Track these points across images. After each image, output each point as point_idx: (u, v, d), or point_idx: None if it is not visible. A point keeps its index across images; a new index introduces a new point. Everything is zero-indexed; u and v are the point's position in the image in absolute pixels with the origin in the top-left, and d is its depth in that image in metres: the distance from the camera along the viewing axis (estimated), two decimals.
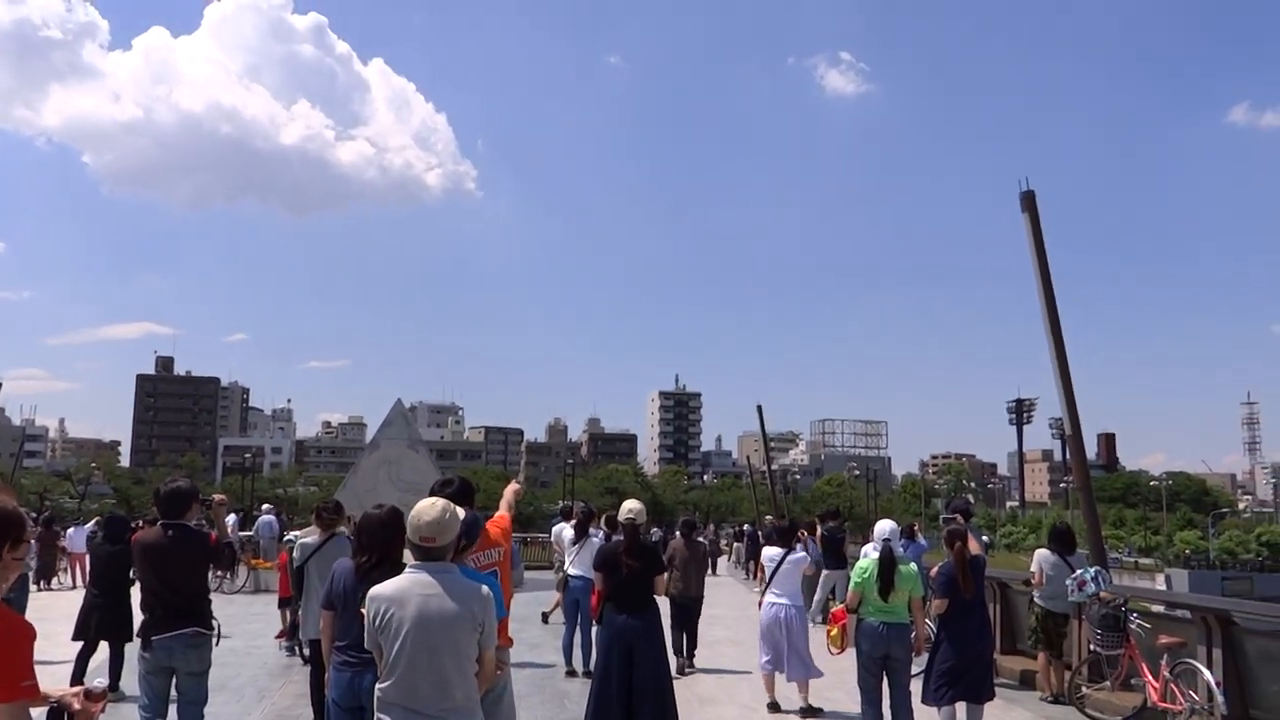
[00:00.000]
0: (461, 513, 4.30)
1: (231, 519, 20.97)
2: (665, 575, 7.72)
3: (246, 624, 15.34)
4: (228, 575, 20.95)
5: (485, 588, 4.13)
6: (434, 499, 4.24)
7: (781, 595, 9.56)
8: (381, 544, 5.05)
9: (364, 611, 4.12)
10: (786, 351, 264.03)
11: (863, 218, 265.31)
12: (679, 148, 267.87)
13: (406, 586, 4.03)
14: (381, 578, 4.31)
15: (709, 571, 29.04)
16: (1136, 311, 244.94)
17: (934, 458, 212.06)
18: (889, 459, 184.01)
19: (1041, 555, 10.60)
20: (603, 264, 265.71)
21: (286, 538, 22.20)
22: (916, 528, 17.87)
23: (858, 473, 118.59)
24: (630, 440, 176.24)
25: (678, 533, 13.95)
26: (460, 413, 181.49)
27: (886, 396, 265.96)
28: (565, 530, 13.85)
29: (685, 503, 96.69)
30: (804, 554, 9.81)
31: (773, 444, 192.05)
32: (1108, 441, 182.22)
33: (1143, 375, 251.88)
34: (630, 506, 7.56)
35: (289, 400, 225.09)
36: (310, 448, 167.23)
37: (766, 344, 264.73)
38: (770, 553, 9.78)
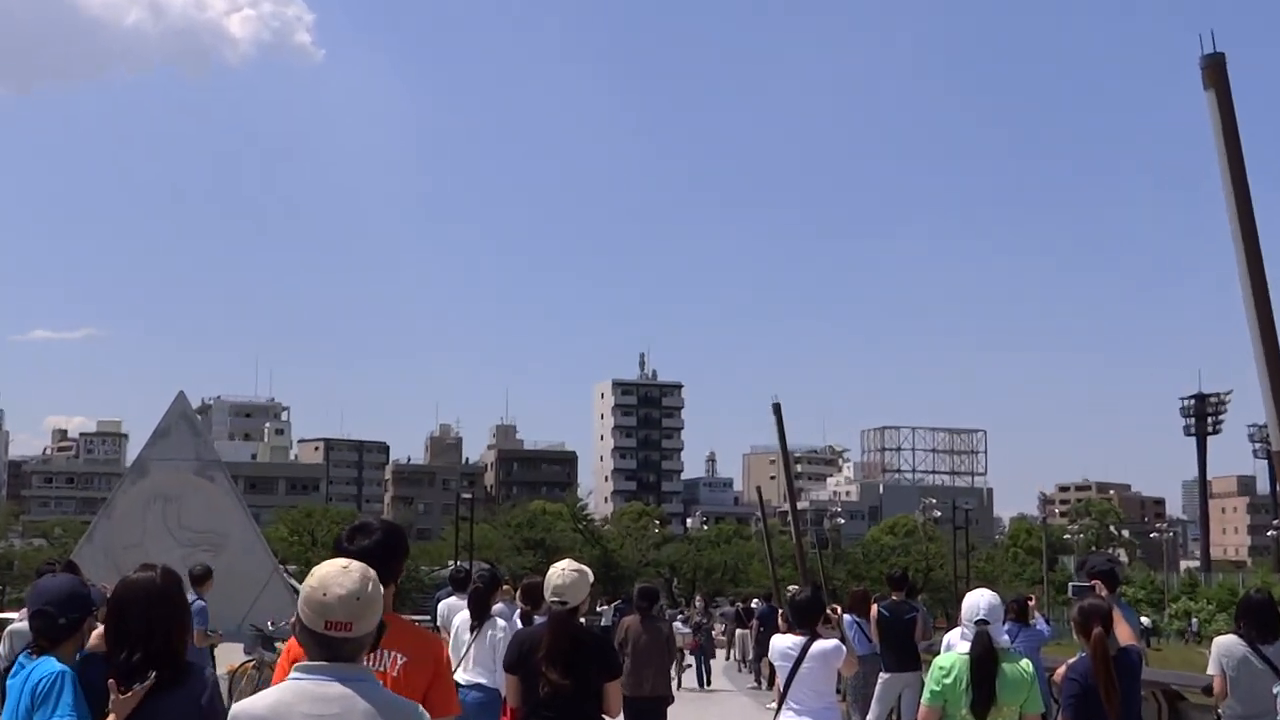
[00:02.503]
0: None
1: None
2: (619, 680, 7.77)
3: None
4: None
5: (421, 709, 4.22)
6: (344, 562, 4.27)
7: (804, 712, 9.61)
8: (151, 632, 5.04)
9: None
10: (821, 318, 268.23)
11: (947, 95, 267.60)
12: None
13: (293, 704, 4.03)
14: (159, 683, 4.27)
15: (681, 663, 29.59)
16: None
17: (1062, 489, 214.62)
18: (989, 491, 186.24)
19: (1225, 645, 10.68)
20: (523, 175, 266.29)
21: None
22: (1032, 603, 18.07)
23: (939, 514, 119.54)
24: (566, 461, 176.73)
25: (632, 607, 14.12)
26: (285, 415, 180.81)
27: (985, 392, 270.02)
28: (456, 608, 13.84)
29: (656, 564, 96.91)
30: (837, 643, 9.85)
31: (801, 467, 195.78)
32: None
33: None
34: (563, 573, 7.57)
35: None
36: (31, 473, 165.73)
37: (787, 305, 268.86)
38: (783, 644, 9.76)
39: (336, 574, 4.15)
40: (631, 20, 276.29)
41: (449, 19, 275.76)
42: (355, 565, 4.23)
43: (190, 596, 16.92)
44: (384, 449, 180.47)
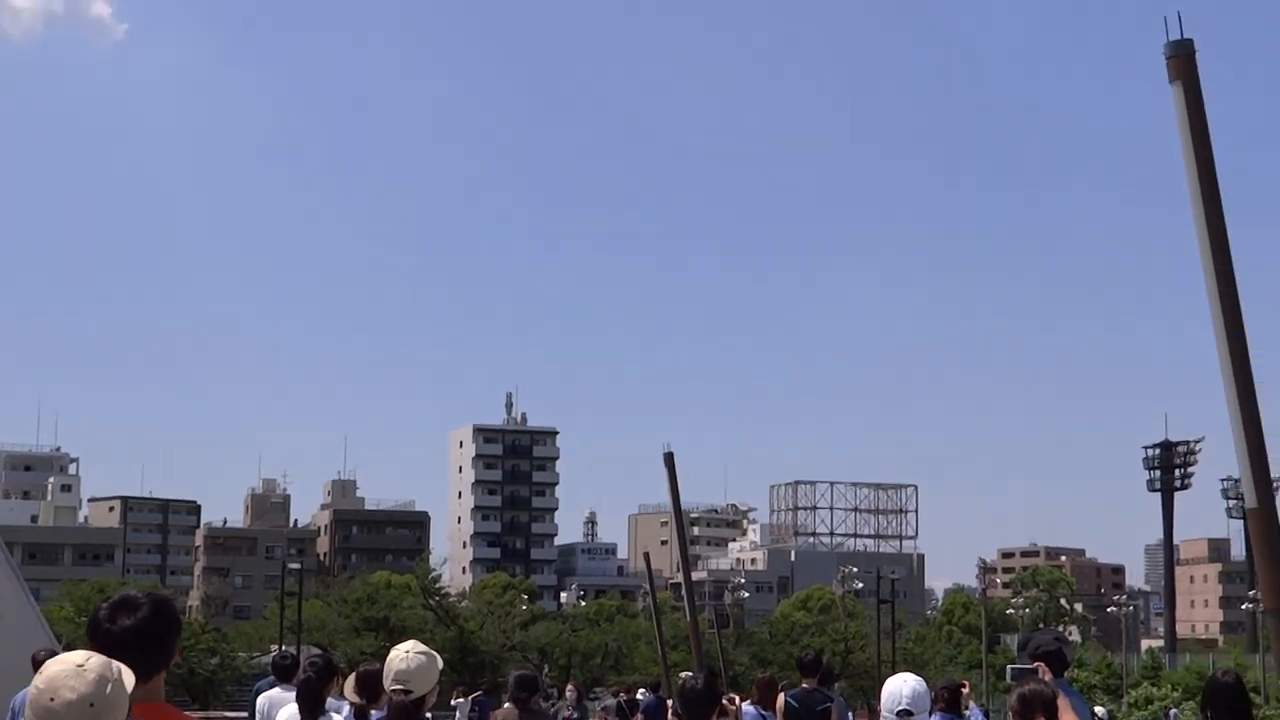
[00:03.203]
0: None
1: None
2: None
3: None
4: None
5: None
6: (80, 657, 4.15)
7: None
8: None
9: None
10: (722, 357, 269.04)
11: (869, 126, 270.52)
12: None
13: None
14: None
15: None
16: None
17: (1005, 555, 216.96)
18: (920, 557, 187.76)
19: None
20: (363, 176, 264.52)
21: None
22: (966, 690, 18.21)
23: (860, 585, 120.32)
24: (416, 524, 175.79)
25: (505, 700, 14.09)
26: (73, 469, 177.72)
27: (916, 443, 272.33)
28: (280, 702, 13.68)
29: (523, 647, 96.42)
30: None
31: (699, 529, 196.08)
32: None
33: None
34: (406, 656, 7.51)
35: None
36: None
37: (681, 339, 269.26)
38: None
39: (68, 675, 4.03)
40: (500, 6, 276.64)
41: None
42: (93, 663, 4.11)
43: None
44: (194, 509, 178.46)
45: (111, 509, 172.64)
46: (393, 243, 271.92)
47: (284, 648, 48.69)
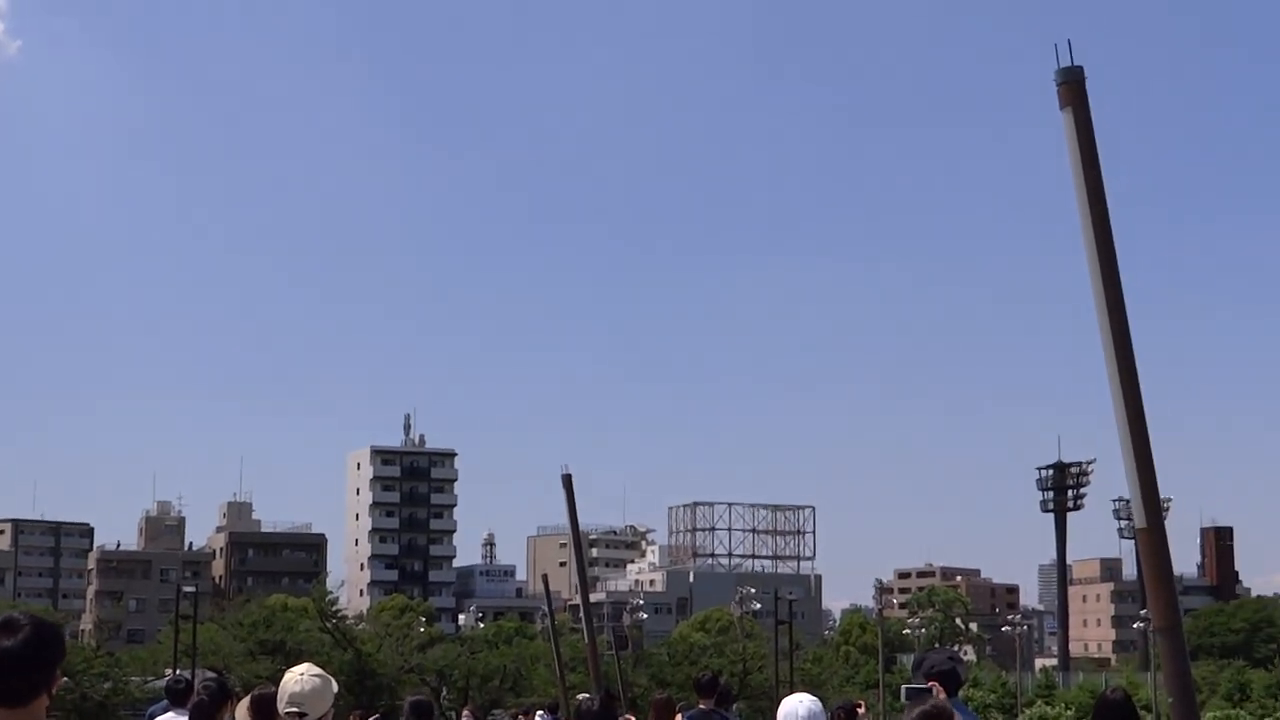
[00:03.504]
0: None
1: None
2: None
3: None
4: None
5: None
6: None
7: None
8: None
9: None
10: (620, 375, 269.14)
11: (768, 139, 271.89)
12: None
13: None
14: None
15: None
16: (1274, 300, 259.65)
17: (902, 576, 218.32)
18: (818, 578, 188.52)
19: None
20: (262, 190, 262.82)
21: None
22: (862, 710, 18.30)
23: (759, 606, 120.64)
24: (313, 546, 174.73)
25: None
26: None
27: (813, 462, 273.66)
28: None
29: (421, 670, 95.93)
30: None
31: (597, 551, 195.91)
32: (1217, 544, 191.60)
33: None
34: (300, 678, 7.47)
35: None
36: None
37: (578, 358, 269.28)
38: None
39: None
40: (400, 16, 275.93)
41: (184, 5, 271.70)
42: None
43: None
44: (87, 531, 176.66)
45: (2, 532, 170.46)
46: (290, 261, 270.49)
47: (178, 672, 48.20)
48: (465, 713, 58.41)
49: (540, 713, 38.96)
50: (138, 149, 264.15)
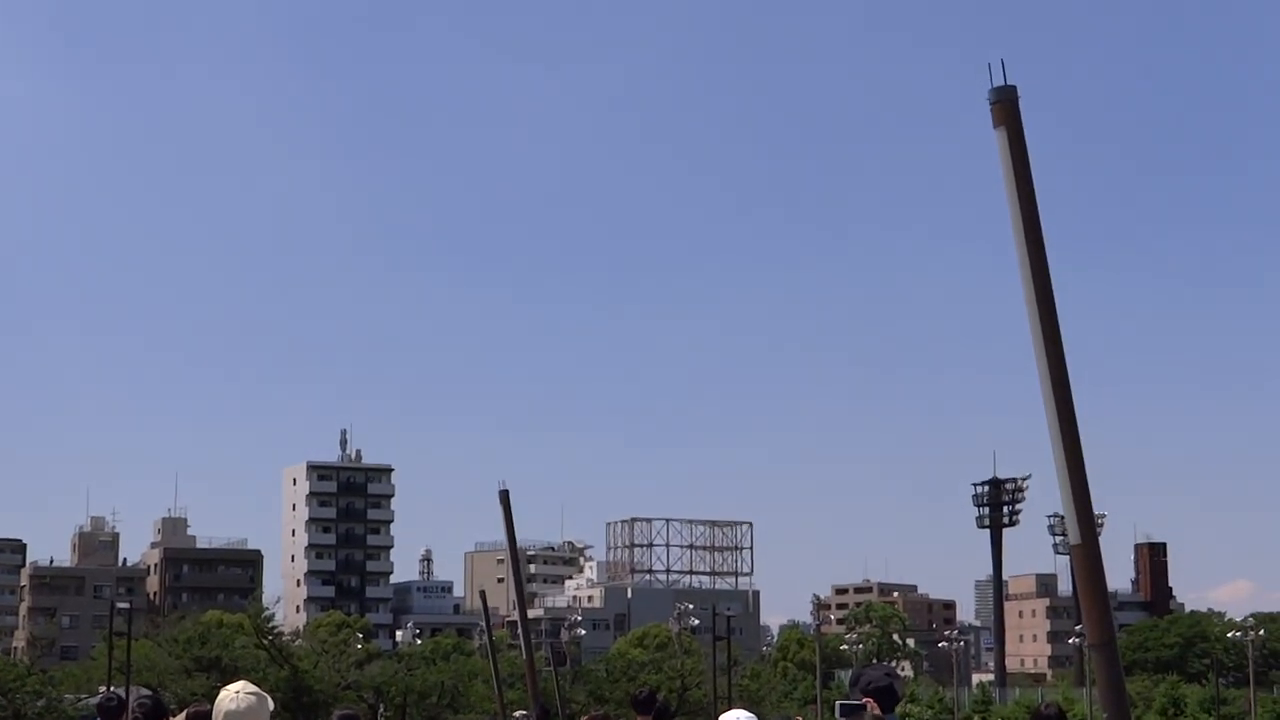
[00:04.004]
0: None
1: None
2: None
3: None
4: None
5: None
6: None
7: None
8: None
9: None
10: (556, 392, 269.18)
11: (704, 158, 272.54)
12: None
13: None
14: None
15: None
16: (1207, 317, 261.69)
17: (839, 591, 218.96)
18: (755, 594, 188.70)
19: None
20: (192, 204, 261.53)
21: None
22: None
23: (697, 622, 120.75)
24: (248, 562, 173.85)
25: None
26: None
27: (750, 478, 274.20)
28: None
29: (358, 687, 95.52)
30: None
31: (535, 567, 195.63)
32: (1151, 560, 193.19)
33: (1220, 441, 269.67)
34: (236, 696, 7.44)
35: None
36: None
37: (514, 374, 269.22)
38: None
39: None
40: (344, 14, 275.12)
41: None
42: None
43: None
44: (19, 547, 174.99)
45: None
46: (226, 275, 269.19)
47: (112, 689, 47.83)
48: None
49: None
50: (70, 150, 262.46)
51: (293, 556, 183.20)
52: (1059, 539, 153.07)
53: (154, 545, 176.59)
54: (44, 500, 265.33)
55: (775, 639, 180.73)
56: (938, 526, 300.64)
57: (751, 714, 8.33)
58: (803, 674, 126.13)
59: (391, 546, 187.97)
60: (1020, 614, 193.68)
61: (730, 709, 8.54)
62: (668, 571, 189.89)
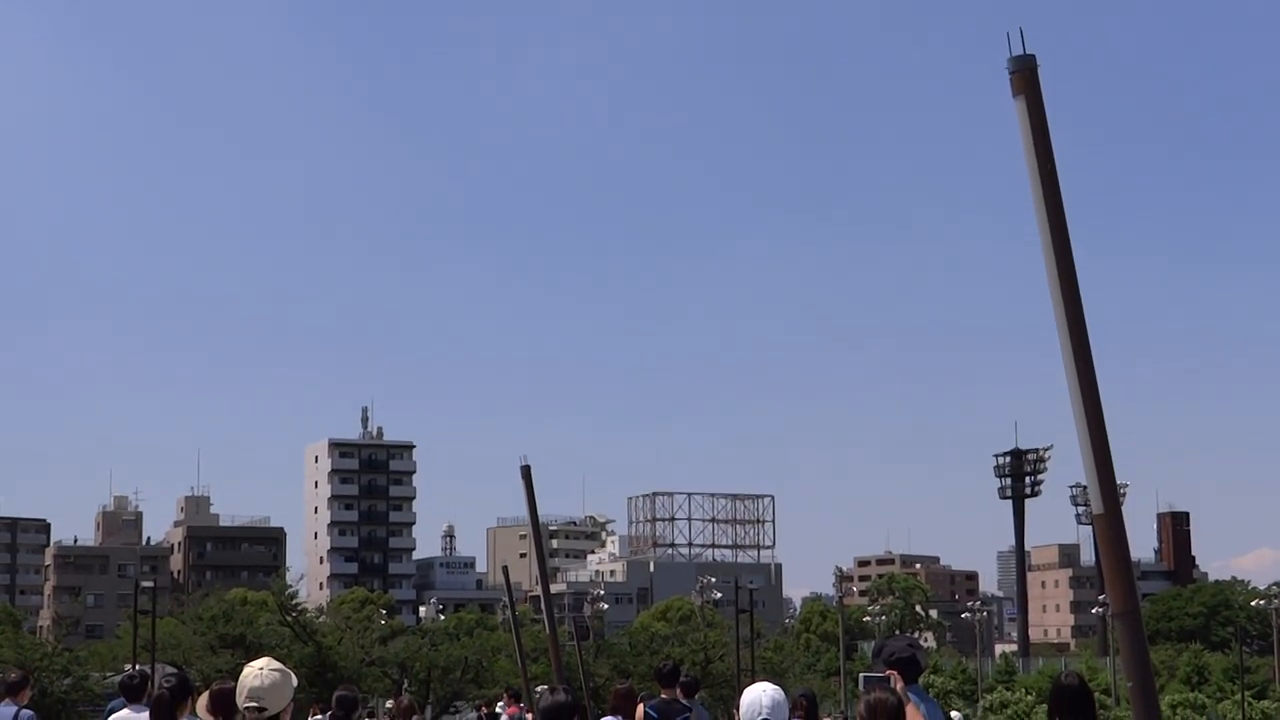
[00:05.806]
0: None
1: None
2: None
3: None
4: None
5: None
6: None
7: None
8: None
9: None
10: (578, 365, 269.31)
11: (738, 143, 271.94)
12: None
13: None
14: None
15: None
16: (1229, 286, 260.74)
17: (862, 564, 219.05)
18: (778, 567, 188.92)
19: None
20: (213, 186, 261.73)
21: None
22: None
23: (719, 595, 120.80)
24: (272, 540, 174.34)
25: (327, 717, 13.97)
26: None
27: (772, 454, 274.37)
28: None
29: (382, 663, 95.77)
30: None
31: (557, 542, 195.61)
32: (1174, 530, 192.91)
33: (1243, 410, 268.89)
34: (260, 673, 7.45)
35: None
36: None
37: (536, 350, 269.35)
38: None
39: None
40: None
41: None
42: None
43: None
44: (43, 527, 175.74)
45: None
46: (247, 254, 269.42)
47: (137, 667, 48.00)
48: (427, 709, 58.24)
49: (500, 703, 38.87)
50: (84, 132, 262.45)
51: (316, 534, 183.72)
52: (1081, 509, 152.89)
53: (177, 524, 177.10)
54: (68, 480, 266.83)
55: (798, 611, 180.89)
56: (960, 498, 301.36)
57: (776, 687, 8.32)
58: (825, 646, 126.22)
59: (414, 523, 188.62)
60: (1043, 584, 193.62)
61: (754, 682, 8.54)
62: (690, 545, 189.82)
